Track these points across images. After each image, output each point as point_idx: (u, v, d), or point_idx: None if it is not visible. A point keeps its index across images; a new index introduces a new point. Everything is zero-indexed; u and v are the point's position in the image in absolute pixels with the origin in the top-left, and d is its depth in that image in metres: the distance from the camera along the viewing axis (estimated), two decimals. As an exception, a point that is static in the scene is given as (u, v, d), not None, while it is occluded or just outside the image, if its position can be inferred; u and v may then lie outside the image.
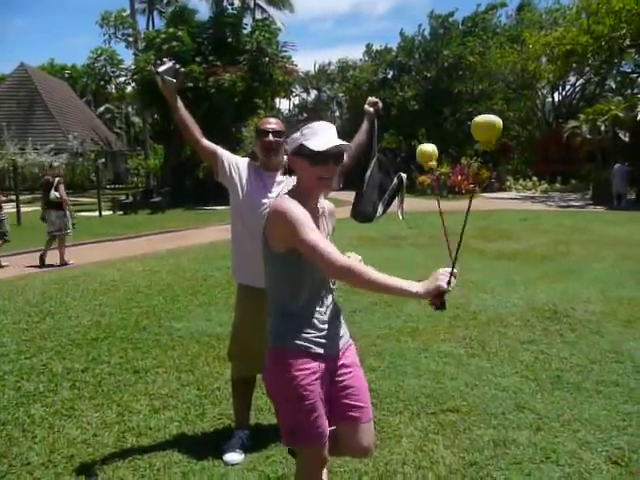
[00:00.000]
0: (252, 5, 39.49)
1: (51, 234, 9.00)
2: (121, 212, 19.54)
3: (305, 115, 47.67)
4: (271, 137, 2.71)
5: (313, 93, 56.82)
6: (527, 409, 3.29)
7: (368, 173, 2.99)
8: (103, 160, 32.75)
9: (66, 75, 48.64)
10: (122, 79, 33.09)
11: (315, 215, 1.98)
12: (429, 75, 32.10)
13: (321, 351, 1.93)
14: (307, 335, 1.92)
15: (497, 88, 31.91)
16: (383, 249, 9.72)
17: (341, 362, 2.04)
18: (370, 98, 3.01)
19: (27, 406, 3.42)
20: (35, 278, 7.69)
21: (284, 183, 2.75)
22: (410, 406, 3.36)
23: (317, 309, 1.96)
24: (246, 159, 2.87)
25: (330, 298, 2.02)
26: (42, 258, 8.97)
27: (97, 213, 18.12)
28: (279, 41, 25.52)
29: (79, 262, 9.04)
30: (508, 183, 28.32)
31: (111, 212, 19.50)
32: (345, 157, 2.01)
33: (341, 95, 43.77)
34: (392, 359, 4.16)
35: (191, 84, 21.11)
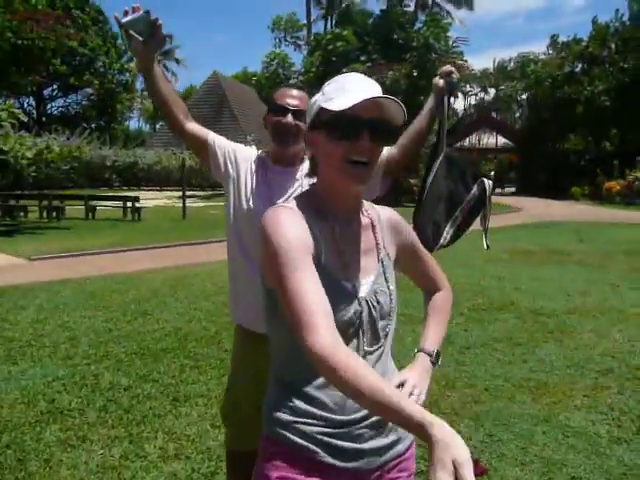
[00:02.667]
0: (429, 3, 38.34)
1: None
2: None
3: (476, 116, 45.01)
4: (290, 118, 1.85)
5: (492, 92, 53.63)
6: None
7: (431, 176, 1.97)
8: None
9: (253, 82, 52.63)
10: (293, 82, 34.44)
11: (349, 236, 1.17)
12: (626, 66, 27.72)
13: (335, 462, 1.10)
14: (313, 428, 1.10)
15: None
16: (538, 266, 8.13)
17: None
18: (444, 67, 2.00)
19: (44, 426, 3.05)
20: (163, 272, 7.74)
21: (299, 183, 1.90)
22: (493, 518, 2.27)
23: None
24: (251, 148, 2.06)
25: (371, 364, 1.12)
26: None
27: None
28: (449, 37, 24.18)
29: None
30: None
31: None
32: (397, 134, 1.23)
33: (519, 92, 40.25)
34: (493, 429, 3.02)
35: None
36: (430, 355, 1.27)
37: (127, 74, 41.42)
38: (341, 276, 1.12)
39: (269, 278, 1.11)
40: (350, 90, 1.07)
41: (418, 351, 1.29)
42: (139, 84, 44.67)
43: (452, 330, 4.73)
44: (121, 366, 3.97)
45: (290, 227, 1.06)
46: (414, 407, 0.86)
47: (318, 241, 1.10)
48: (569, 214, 17.54)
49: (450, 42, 23.52)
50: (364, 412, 1.13)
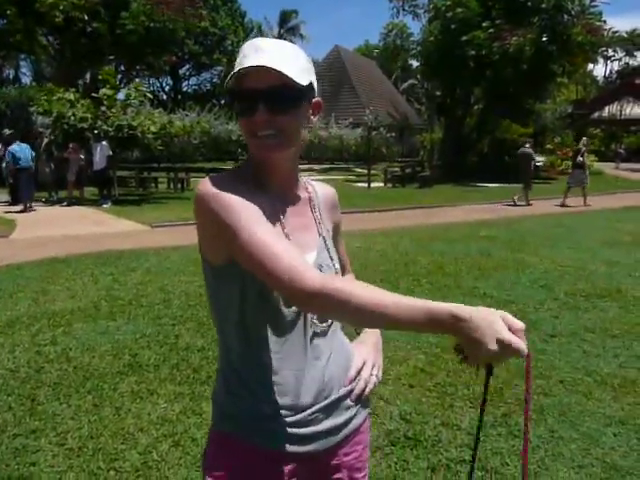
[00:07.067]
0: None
1: (569, 185, 12.97)
2: (390, 185, 19.69)
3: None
4: None
5: (640, 56, 47.89)
6: None
7: None
8: (393, 134, 34.02)
9: (375, 54, 52.10)
10: (412, 52, 33.40)
11: (289, 211, 1.12)
12: None
13: (295, 448, 1.09)
14: (269, 420, 1.08)
15: None
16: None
17: (333, 462, 1.16)
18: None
19: (122, 378, 3.37)
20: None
21: None
22: (528, 517, 2.12)
23: (290, 367, 1.08)
24: None
25: (320, 345, 1.12)
26: (563, 203, 12.85)
27: (366, 185, 18.54)
28: (587, -5, 21.83)
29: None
30: None
31: (382, 184, 19.78)
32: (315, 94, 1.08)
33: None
34: (556, 425, 2.79)
35: (473, 52, 19.75)
36: None
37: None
38: None
39: (216, 253, 1.05)
40: (240, 62, 0.99)
41: None
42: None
43: (540, 316, 4.43)
44: (200, 328, 4.24)
45: (232, 191, 0.99)
46: (441, 303, 0.83)
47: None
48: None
49: (587, 1, 21.24)
50: (316, 395, 1.11)
